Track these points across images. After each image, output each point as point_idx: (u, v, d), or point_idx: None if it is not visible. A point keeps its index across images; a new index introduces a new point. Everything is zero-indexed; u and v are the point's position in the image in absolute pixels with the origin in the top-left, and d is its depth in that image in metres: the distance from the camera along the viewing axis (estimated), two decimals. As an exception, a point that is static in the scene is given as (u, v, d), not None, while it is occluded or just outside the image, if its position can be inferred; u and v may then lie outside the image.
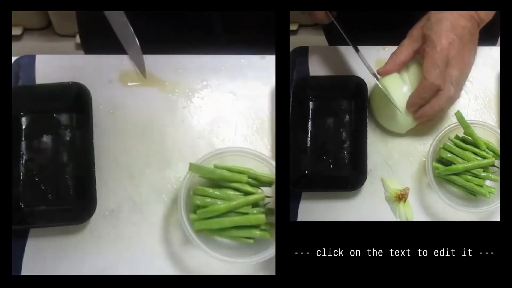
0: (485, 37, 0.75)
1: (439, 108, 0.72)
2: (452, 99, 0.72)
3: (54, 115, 0.72)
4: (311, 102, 0.79)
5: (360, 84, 0.77)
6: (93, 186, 0.67)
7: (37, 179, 0.70)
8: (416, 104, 0.72)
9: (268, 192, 0.69)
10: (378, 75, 0.76)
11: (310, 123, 0.78)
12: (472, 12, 0.72)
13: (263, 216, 0.65)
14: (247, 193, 0.67)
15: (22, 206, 0.68)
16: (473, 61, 0.74)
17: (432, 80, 0.70)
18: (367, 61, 0.76)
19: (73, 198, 0.69)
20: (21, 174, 0.70)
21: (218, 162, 0.68)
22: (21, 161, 0.70)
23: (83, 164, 0.69)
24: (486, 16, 0.73)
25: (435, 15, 0.72)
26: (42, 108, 0.72)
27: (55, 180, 0.70)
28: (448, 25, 0.70)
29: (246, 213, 0.65)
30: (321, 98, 0.79)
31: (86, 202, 0.67)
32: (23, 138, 0.71)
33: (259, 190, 0.68)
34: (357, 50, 0.76)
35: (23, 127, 0.72)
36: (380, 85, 0.74)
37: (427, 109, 0.72)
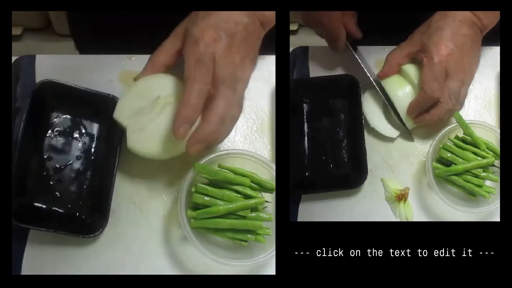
0: (486, 38, 0.75)
1: (437, 118, 0.73)
2: (452, 111, 0.73)
3: (82, 119, 0.72)
4: (305, 104, 0.79)
5: (353, 82, 0.76)
6: (109, 200, 0.66)
7: (52, 182, 0.68)
8: (415, 111, 0.74)
9: (268, 197, 0.68)
10: (378, 78, 0.76)
11: (306, 125, 0.78)
12: (474, 19, 0.71)
13: (260, 222, 0.65)
14: (247, 196, 0.66)
15: (36, 205, 0.67)
16: (475, 69, 0.74)
17: (430, 93, 0.71)
18: (367, 63, 0.76)
19: (88, 209, 0.68)
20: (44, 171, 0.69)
21: (219, 163, 0.68)
22: (43, 158, 0.69)
23: (104, 176, 0.68)
24: (490, 22, 0.72)
25: (436, 22, 0.71)
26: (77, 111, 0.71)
27: (70, 186, 0.69)
28: (448, 34, 0.70)
29: (244, 217, 0.65)
30: (314, 99, 0.79)
31: (100, 215, 0.66)
32: (48, 135, 0.70)
33: (259, 194, 0.68)
34: (355, 50, 0.76)
35: (53, 124, 0.70)
36: (382, 85, 0.75)
37: (427, 118, 0.73)
